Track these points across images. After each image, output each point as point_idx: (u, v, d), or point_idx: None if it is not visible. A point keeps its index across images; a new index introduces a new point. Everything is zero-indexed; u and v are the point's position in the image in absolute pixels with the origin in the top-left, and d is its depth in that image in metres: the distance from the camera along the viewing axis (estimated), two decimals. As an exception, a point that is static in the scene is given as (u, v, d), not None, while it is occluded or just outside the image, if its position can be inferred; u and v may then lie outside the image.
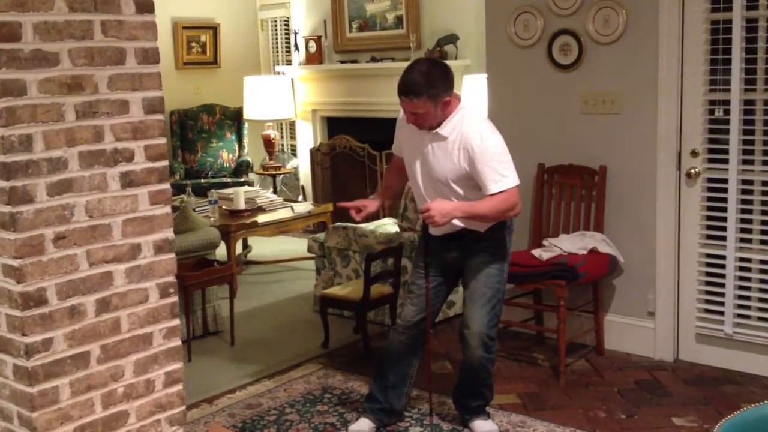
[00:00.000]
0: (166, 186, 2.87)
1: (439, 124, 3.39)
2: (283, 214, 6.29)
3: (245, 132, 8.54)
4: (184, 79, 8.48)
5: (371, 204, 3.70)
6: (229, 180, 8.10)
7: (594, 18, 4.45)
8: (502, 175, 3.33)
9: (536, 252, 4.39)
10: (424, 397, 4.07)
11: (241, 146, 8.55)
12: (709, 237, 4.31)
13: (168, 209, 2.89)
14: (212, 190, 6.46)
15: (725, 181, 4.21)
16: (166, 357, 2.92)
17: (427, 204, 3.34)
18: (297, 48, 8.28)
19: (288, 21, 8.69)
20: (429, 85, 3.29)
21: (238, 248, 6.49)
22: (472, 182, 3.39)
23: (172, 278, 2.91)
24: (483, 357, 3.56)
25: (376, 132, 6.93)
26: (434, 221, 3.30)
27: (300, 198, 8.24)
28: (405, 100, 3.32)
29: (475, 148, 3.32)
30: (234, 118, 8.50)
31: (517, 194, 3.37)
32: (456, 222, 3.42)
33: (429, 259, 3.53)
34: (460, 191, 3.42)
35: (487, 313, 3.52)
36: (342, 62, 7.90)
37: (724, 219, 4.23)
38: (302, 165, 8.49)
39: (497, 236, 3.53)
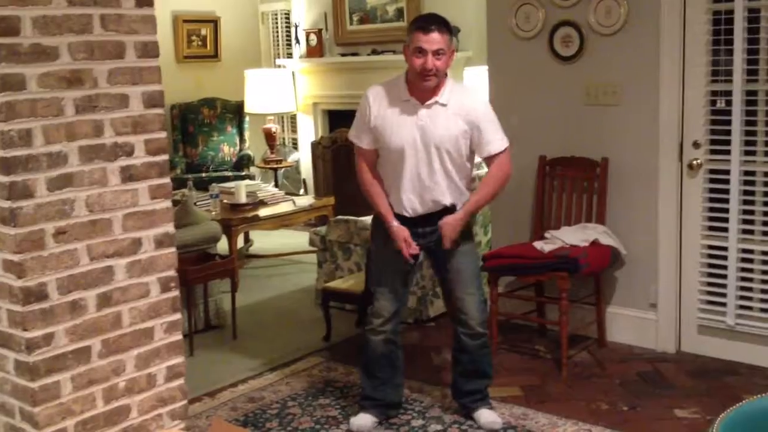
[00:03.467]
0: (167, 180, 2.87)
1: (433, 94, 3.42)
2: (285, 207, 6.29)
3: (246, 125, 8.53)
4: (185, 72, 8.46)
5: (402, 229, 3.54)
6: (230, 174, 8.08)
7: (595, 9, 4.43)
8: (499, 135, 3.51)
9: (538, 244, 4.38)
10: (426, 389, 4.08)
11: (242, 140, 8.53)
12: (711, 228, 4.30)
13: (168, 203, 2.89)
14: (213, 184, 6.46)
15: (727, 172, 4.20)
16: (167, 351, 2.92)
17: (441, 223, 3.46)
18: (298, 41, 8.27)
19: (288, 14, 8.67)
20: (447, 25, 3.43)
21: (240, 242, 6.49)
22: (466, 150, 3.49)
23: (173, 272, 2.91)
24: (483, 333, 3.66)
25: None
26: (450, 238, 3.48)
27: (301, 191, 8.24)
28: (432, 34, 3.33)
29: (478, 109, 3.47)
30: (235, 112, 8.49)
31: (509, 158, 3.56)
32: (442, 200, 3.51)
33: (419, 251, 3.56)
34: (457, 159, 3.47)
35: (478, 290, 3.64)
36: (343, 55, 7.89)
37: (726, 210, 4.22)
38: (303, 158, 8.48)
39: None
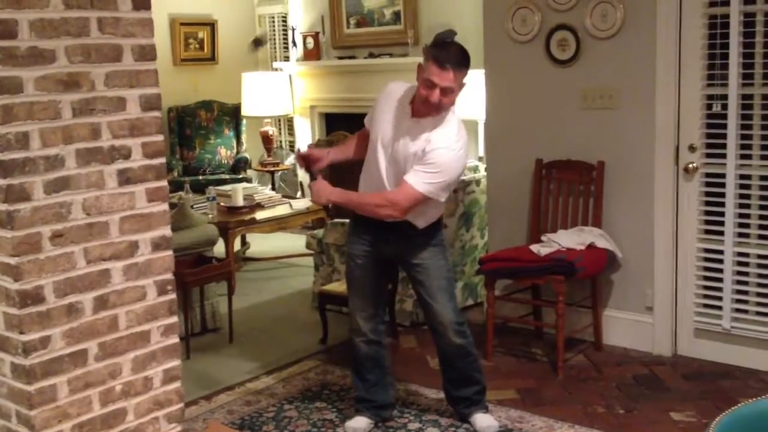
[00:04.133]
0: (164, 183, 2.87)
1: (427, 115, 3.37)
2: (282, 210, 6.28)
3: (243, 128, 8.52)
4: (182, 75, 8.46)
5: (323, 157, 3.64)
6: (227, 176, 8.08)
7: (592, 13, 4.44)
8: (423, 179, 3.31)
9: (534, 247, 4.39)
10: (422, 392, 4.08)
11: (239, 143, 8.53)
12: (707, 232, 4.31)
13: (165, 206, 2.88)
14: (210, 187, 6.45)
15: (723, 175, 4.21)
16: (164, 354, 2.92)
17: (318, 181, 3.51)
18: (295, 44, 8.27)
19: (286, 17, 8.67)
20: (466, 61, 3.34)
21: (237, 245, 6.48)
22: None
23: (169, 275, 2.91)
24: (463, 343, 3.64)
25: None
26: (314, 195, 3.53)
27: (298, 194, 8.24)
28: (447, 73, 3.25)
29: (438, 148, 3.32)
30: (232, 115, 8.49)
31: (409, 200, 3.33)
32: None
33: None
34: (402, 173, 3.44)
35: (450, 301, 3.60)
36: (340, 58, 7.89)
37: (722, 214, 4.23)
38: (301, 161, 8.46)
39: (432, 229, 3.57)
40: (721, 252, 4.25)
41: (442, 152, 3.33)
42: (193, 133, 8.38)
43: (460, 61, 3.31)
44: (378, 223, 3.50)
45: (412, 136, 3.39)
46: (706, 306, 4.35)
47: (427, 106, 3.34)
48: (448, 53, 3.30)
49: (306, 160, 3.60)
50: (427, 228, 3.53)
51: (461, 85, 3.36)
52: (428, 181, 3.32)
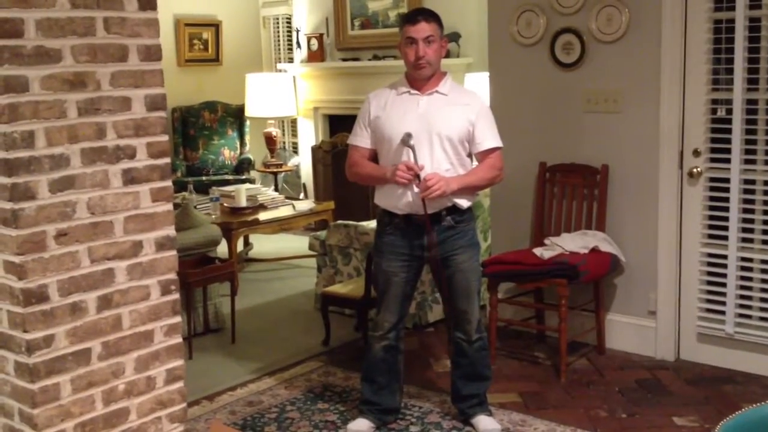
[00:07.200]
0: (168, 183, 2.87)
1: (434, 85, 3.49)
2: (285, 211, 6.30)
3: (247, 129, 8.54)
4: (186, 76, 8.48)
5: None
6: (230, 177, 8.09)
7: (597, 16, 4.44)
8: (495, 134, 3.55)
9: (538, 251, 4.39)
10: (424, 395, 4.08)
11: (242, 144, 8.54)
12: (710, 236, 4.31)
13: (169, 206, 2.89)
14: (214, 188, 6.47)
15: (727, 180, 4.20)
16: (167, 354, 2.92)
17: (430, 174, 3.35)
18: (299, 45, 8.28)
19: (290, 18, 8.68)
20: (434, 14, 3.54)
21: (240, 246, 6.49)
22: (466, 140, 3.50)
23: (173, 275, 2.91)
24: (482, 337, 3.71)
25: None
26: (435, 188, 3.30)
27: (301, 196, 8.25)
28: (419, 24, 3.44)
29: (477, 104, 3.54)
30: (236, 116, 8.50)
31: (501, 157, 3.58)
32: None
33: (430, 254, 3.56)
34: (459, 148, 3.48)
35: (478, 298, 3.70)
36: (344, 60, 7.90)
37: (726, 218, 4.22)
38: (304, 163, 8.49)
39: (471, 227, 3.62)
40: (724, 257, 4.25)
41: (480, 102, 3.58)
42: (196, 134, 8.39)
43: (427, 12, 3.53)
44: (418, 234, 3.50)
45: (445, 109, 3.47)
46: (709, 311, 4.35)
47: (419, 66, 3.44)
48: (415, 11, 3.60)
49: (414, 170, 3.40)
50: (468, 210, 3.57)
51: (441, 37, 3.50)
52: (496, 131, 3.55)
